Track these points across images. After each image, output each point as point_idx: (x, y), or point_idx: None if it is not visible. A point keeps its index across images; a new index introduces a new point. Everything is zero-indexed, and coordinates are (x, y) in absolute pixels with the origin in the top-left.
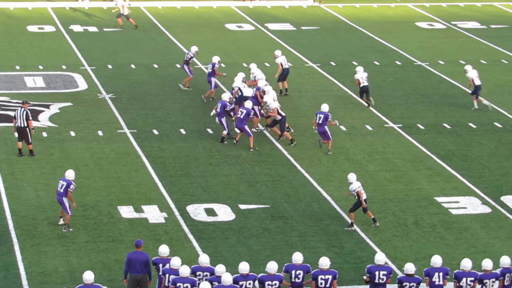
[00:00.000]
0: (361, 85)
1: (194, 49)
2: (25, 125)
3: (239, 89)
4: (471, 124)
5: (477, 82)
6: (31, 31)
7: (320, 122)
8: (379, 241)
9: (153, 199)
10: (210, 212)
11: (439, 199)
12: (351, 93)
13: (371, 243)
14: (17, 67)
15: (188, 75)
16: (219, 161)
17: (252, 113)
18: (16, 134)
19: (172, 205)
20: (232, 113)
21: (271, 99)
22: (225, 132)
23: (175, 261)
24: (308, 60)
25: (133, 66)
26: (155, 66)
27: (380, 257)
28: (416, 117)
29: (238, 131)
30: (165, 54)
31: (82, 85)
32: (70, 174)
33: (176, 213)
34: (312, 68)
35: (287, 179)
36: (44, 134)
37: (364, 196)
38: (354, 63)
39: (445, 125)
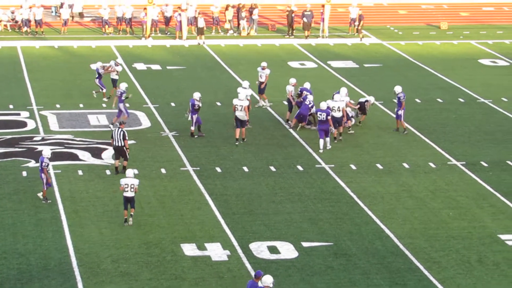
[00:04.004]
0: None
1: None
2: (122, 144)
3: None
4: None
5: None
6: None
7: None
8: (442, 278)
9: (216, 236)
10: (273, 249)
11: (503, 237)
12: (414, 130)
13: (434, 281)
14: (81, 105)
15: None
16: (282, 198)
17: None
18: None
19: (235, 243)
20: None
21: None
22: (192, 128)
23: None
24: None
25: None
26: (218, 104)
27: None
28: (480, 155)
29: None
30: (228, 92)
31: (145, 123)
32: (46, 152)
33: (239, 250)
34: (374, 105)
35: (350, 217)
36: (108, 172)
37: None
38: (417, 100)
39: (509, 162)
